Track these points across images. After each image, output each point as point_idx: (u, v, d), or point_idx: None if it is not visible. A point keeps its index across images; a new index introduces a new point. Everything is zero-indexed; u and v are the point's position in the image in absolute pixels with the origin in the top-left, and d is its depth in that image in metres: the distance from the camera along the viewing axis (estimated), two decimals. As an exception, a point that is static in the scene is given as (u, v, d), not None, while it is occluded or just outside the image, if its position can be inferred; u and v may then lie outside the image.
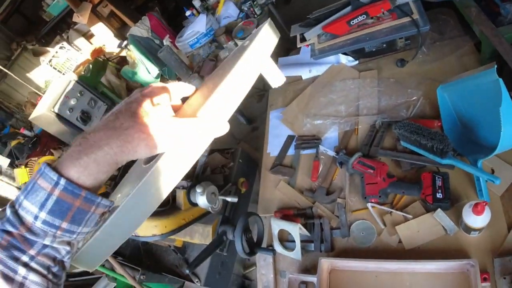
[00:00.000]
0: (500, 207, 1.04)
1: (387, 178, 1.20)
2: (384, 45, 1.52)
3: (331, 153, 1.40)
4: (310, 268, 1.24)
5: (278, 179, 1.49)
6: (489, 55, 1.25)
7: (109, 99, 3.38)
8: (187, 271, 1.13)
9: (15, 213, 0.42)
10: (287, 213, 1.36)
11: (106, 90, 3.45)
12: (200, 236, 1.45)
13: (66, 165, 0.43)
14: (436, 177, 1.11)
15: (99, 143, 0.44)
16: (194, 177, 1.42)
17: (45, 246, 0.43)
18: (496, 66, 0.97)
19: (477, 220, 0.93)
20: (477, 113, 1.13)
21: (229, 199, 1.30)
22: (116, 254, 1.92)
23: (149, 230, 1.24)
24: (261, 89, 3.09)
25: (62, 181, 0.42)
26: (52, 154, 2.88)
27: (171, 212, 1.29)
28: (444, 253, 1.05)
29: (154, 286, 1.72)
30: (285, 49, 2.05)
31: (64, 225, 0.42)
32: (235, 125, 2.98)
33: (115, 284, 1.73)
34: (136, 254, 1.85)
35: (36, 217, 0.41)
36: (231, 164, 1.72)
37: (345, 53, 1.61)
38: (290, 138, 1.57)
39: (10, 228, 0.41)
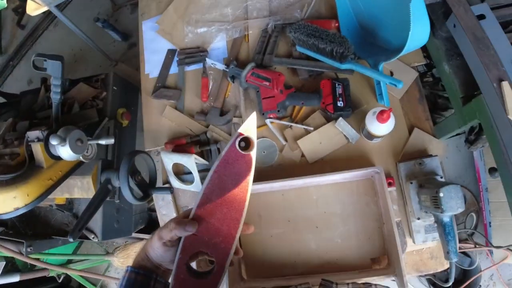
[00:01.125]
0: (400, 110, 1.03)
1: (284, 90, 1.08)
2: None
3: (221, 66, 1.19)
4: (212, 199, 1.13)
5: (163, 104, 1.25)
6: None
7: None
8: (71, 239, 0.90)
9: None
10: (179, 143, 1.17)
11: None
12: (80, 190, 1.18)
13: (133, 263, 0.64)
14: (336, 84, 1.02)
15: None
16: (54, 122, 1.09)
17: None
18: None
19: (382, 128, 0.89)
20: (378, 13, 1.02)
21: (102, 141, 1.03)
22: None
23: (9, 203, 0.96)
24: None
25: (129, 268, 0.61)
26: None
27: (30, 174, 0.99)
28: (348, 162, 1.03)
29: (51, 252, 1.47)
30: None
31: None
32: (108, 43, 2.47)
33: (4, 262, 1.41)
34: (16, 225, 1.52)
35: None
36: (104, 94, 1.39)
37: None
38: (170, 53, 1.30)
39: None
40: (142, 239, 1.98)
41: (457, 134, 1.64)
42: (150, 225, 2.07)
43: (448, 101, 1.48)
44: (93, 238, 1.35)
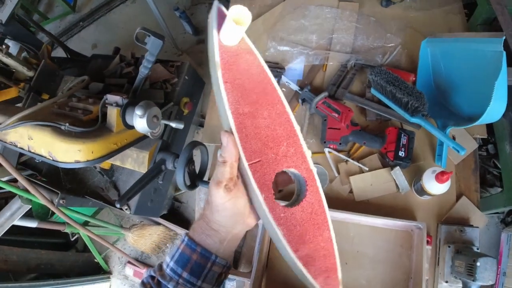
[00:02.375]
0: (454, 175, 1.06)
1: (350, 126, 1.12)
2: (373, -24, 1.33)
3: (294, 86, 1.25)
4: (254, 207, 1.17)
5: (229, 106, 1.32)
6: (481, 21, 1.18)
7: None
8: (118, 205, 0.95)
9: (160, 264, 0.54)
10: (235, 146, 1.23)
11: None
12: (134, 162, 1.24)
13: (193, 230, 0.53)
14: (402, 135, 1.06)
15: (204, 218, 0.52)
16: (132, 92, 1.16)
17: None
18: (504, 38, 0.88)
19: (437, 187, 0.93)
20: (457, 79, 1.07)
21: (173, 124, 1.09)
22: (31, 169, 1.63)
23: (71, 155, 0.99)
24: (213, -4, 2.68)
25: (186, 238, 0.52)
26: None
27: (99, 134, 1.04)
28: (392, 210, 1.06)
29: (77, 208, 1.52)
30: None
31: (185, 274, 0.50)
32: (179, 33, 2.59)
33: (30, 206, 1.47)
34: (54, 174, 1.58)
35: (167, 265, 0.51)
36: (175, 79, 1.47)
37: (328, -26, 1.39)
38: (249, 62, 1.37)
39: (153, 273, 0.52)
40: (159, 224, 2.04)
41: (495, 213, 1.64)
42: (171, 213, 2.12)
43: (496, 179, 1.49)
44: (126, 209, 1.41)
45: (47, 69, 1.40)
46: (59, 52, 2.11)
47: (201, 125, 2.25)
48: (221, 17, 0.45)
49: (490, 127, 1.16)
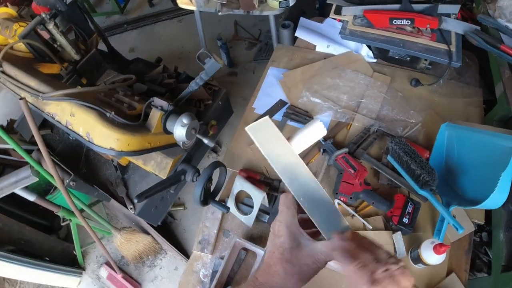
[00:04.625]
0: (448, 252, 1.12)
1: (363, 184, 1.20)
2: (408, 58, 1.48)
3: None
4: (256, 237, 1.22)
5: (254, 138, 1.41)
6: (497, 118, 1.30)
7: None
8: (136, 201, 1.01)
9: None
10: (252, 176, 1.30)
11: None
12: (156, 166, 1.31)
13: None
14: (409, 203, 1.14)
15: (265, 285, 0.49)
16: (176, 101, 1.26)
17: None
18: None
19: (433, 258, 0.99)
20: (467, 164, 1.16)
21: (206, 141, 1.18)
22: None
23: (108, 141, 1.06)
24: (255, 37, 2.88)
25: None
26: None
27: (138, 130, 1.12)
28: (385, 271, 1.10)
29: (78, 194, 1.54)
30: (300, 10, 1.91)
31: None
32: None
33: (38, 178, 1.50)
34: (69, 155, 1.63)
35: None
36: (210, 102, 1.57)
37: (368, 46, 1.54)
38: (281, 103, 1.48)
39: None
40: (148, 234, 2.05)
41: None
42: (162, 226, 2.13)
43: (484, 265, 1.54)
44: (131, 209, 1.45)
45: (95, 57, 1.50)
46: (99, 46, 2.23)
47: (214, 150, 2.35)
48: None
49: (488, 216, 1.23)
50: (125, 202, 1.48)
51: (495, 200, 0.97)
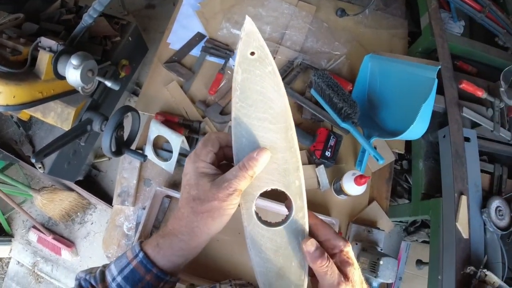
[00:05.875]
0: (369, 181, 1.15)
1: (286, 120, 1.16)
2: (333, -16, 1.39)
3: (240, 72, 1.26)
4: (179, 183, 1.15)
5: (171, 77, 1.27)
6: (421, 50, 1.30)
7: None
8: (34, 160, 0.87)
9: (103, 272, 0.47)
10: (170, 119, 1.19)
11: None
12: (57, 117, 1.13)
13: (149, 243, 0.47)
14: (332, 136, 1.13)
15: (173, 231, 0.46)
16: (69, 41, 1.06)
17: None
18: (440, 67, 0.98)
19: (355, 189, 1.00)
20: (388, 96, 1.16)
21: (108, 83, 1.02)
22: None
23: None
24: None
25: (141, 254, 0.46)
26: None
27: (25, 78, 0.93)
28: (310, 205, 1.09)
29: None
30: None
31: None
32: (129, -8, 2.42)
33: None
34: None
35: (113, 279, 0.46)
36: (118, 38, 1.37)
37: (293, -29, 1.41)
38: (199, 36, 1.33)
39: (93, 283, 0.46)
40: (72, 190, 1.90)
41: (400, 221, 1.83)
42: (87, 181, 1.99)
43: (405, 192, 1.66)
44: (40, 168, 1.29)
45: None
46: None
47: (134, 92, 2.14)
48: None
49: (408, 145, 1.28)
50: (32, 163, 1.31)
51: (415, 131, 0.98)
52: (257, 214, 0.46)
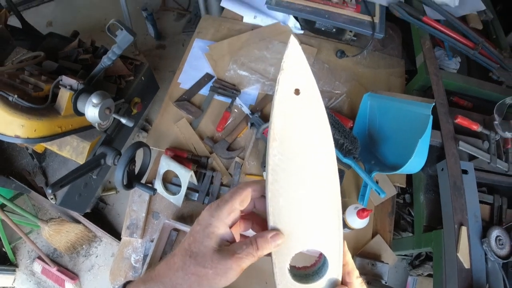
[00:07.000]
0: (372, 215, 1.18)
1: (290, 156, 1.21)
2: (334, 30, 1.50)
3: (246, 110, 1.33)
4: (186, 217, 1.19)
5: (180, 115, 1.35)
6: (417, 87, 1.37)
7: None
8: (49, 191, 0.92)
9: None
10: (179, 154, 1.25)
11: None
12: (72, 150, 1.20)
13: (133, 285, 0.44)
14: (334, 171, 1.18)
15: (157, 277, 0.42)
16: (88, 79, 1.15)
17: None
18: (434, 104, 1.05)
19: (357, 222, 1.03)
20: (388, 132, 1.22)
21: (123, 120, 1.10)
22: None
23: (13, 128, 0.94)
24: (184, 8, 2.72)
25: None
26: None
27: (46, 113, 1.00)
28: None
29: None
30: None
31: None
32: (141, 33, 2.57)
33: None
34: None
35: None
36: (131, 78, 1.47)
37: (295, 18, 1.52)
38: (208, 77, 1.43)
39: None
40: (79, 223, 1.93)
41: (405, 255, 1.83)
42: (93, 213, 2.02)
43: (408, 225, 1.67)
44: (52, 199, 1.33)
45: (2, 35, 1.32)
46: (11, 21, 1.99)
47: (144, 128, 2.23)
48: None
49: (409, 179, 1.32)
50: (45, 193, 1.36)
51: (414, 165, 1.03)
52: (290, 268, 0.41)
